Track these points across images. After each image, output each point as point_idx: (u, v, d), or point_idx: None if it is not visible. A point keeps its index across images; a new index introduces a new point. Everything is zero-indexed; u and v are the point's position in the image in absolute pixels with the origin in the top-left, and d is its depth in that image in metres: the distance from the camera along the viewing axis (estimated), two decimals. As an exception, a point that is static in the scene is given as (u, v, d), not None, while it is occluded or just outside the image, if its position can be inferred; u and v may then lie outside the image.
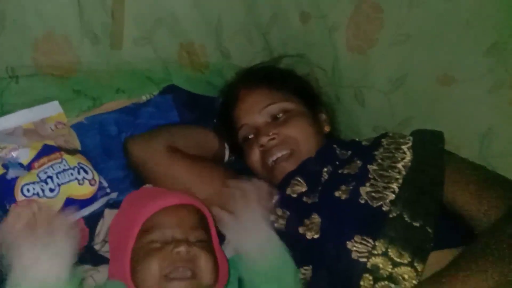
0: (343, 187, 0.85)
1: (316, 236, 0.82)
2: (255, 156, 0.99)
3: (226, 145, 1.12)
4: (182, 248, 0.77)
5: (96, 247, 0.94)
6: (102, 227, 0.95)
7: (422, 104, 1.05)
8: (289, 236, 0.85)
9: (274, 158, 0.95)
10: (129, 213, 0.90)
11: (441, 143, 0.88)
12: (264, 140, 0.95)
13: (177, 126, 1.11)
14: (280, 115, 0.98)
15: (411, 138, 0.90)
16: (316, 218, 0.84)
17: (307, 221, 0.84)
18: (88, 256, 0.92)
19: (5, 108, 0.97)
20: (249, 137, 1.01)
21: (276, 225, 0.88)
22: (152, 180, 0.99)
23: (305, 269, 0.83)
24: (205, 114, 1.18)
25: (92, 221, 0.95)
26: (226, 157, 1.13)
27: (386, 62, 1.04)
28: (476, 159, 0.91)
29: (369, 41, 1.03)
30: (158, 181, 0.98)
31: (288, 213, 0.89)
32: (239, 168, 1.07)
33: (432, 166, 0.84)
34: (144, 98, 1.15)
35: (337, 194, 0.85)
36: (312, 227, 0.83)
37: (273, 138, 0.95)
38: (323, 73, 1.16)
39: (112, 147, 1.04)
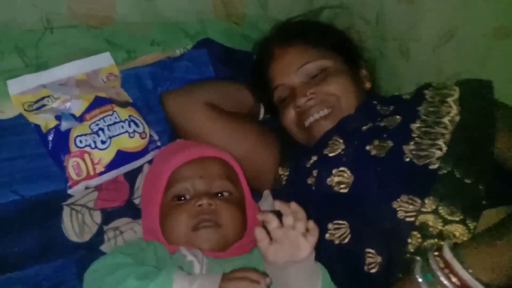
0: (376, 142, 0.82)
1: (344, 191, 0.80)
2: (290, 117, 0.95)
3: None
4: (203, 201, 0.78)
5: (136, 201, 0.95)
6: (141, 182, 0.95)
7: (473, 59, 0.99)
8: (318, 189, 0.83)
9: (312, 119, 0.92)
10: (156, 169, 0.90)
11: (491, 94, 0.83)
12: (301, 101, 0.91)
13: (212, 82, 1.08)
14: (318, 74, 0.93)
15: (457, 88, 0.85)
16: (345, 171, 0.82)
17: (335, 171, 0.83)
18: (128, 209, 0.93)
19: (40, 59, 0.95)
20: (285, 98, 0.97)
21: (309, 182, 0.86)
22: (188, 135, 0.98)
23: (338, 224, 0.80)
24: (241, 69, 1.15)
25: (131, 175, 0.95)
26: (261, 115, 1.11)
27: (436, 13, 0.98)
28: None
29: (419, -11, 0.96)
30: (194, 136, 0.97)
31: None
32: (274, 126, 1.04)
33: (482, 120, 0.80)
34: (178, 52, 1.12)
35: (368, 148, 0.82)
36: (341, 180, 0.81)
37: (311, 99, 0.91)
38: (366, 25, 1.09)
39: (149, 101, 1.03)
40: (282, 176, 0.96)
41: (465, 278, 0.62)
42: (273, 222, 0.64)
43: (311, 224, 0.65)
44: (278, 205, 0.65)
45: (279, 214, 0.66)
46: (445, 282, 0.62)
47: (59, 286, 0.85)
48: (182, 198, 0.81)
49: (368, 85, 1.02)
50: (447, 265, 0.64)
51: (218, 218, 0.78)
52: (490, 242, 0.65)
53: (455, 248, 0.66)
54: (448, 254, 0.64)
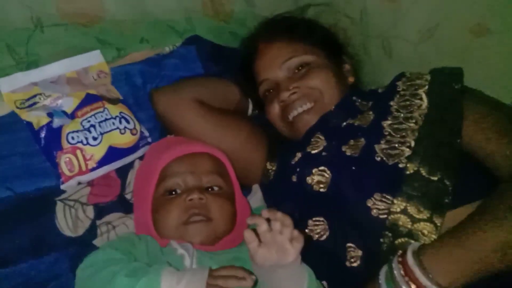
0: (352, 142, 0.84)
1: (323, 190, 0.82)
2: (274, 110, 0.97)
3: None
4: (194, 196, 0.80)
5: (127, 196, 0.96)
6: (132, 177, 0.97)
7: (453, 56, 1.03)
8: (298, 188, 0.85)
9: (295, 113, 0.94)
10: (148, 164, 0.92)
11: (459, 83, 0.84)
12: (285, 95, 0.93)
13: (201, 78, 1.10)
14: (301, 68, 0.95)
15: (428, 78, 0.86)
16: (325, 171, 0.84)
17: (315, 170, 0.84)
18: (120, 204, 0.95)
19: (30, 58, 0.96)
20: (270, 91, 0.99)
21: (294, 179, 0.88)
22: (178, 131, 0.99)
23: (317, 221, 0.83)
24: (229, 66, 1.16)
25: (123, 171, 0.97)
26: (250, 111, 1.13)
27: (417, 11, 1.01)
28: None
29: (401, -12, 0.99)
30: (183, 133, 0.98)
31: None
32: (262, 121, 1.06)
33: (450, 112, 0.80)
34: (167, 49, 1.14)
35: (343, 148, 0.84)
36: (320, 180, 0.83)
37: (294, 93, 0.93)
38: (350, 22, 1.12)
39: (139, 98, 1.04)
40: (270, 170, 0.98)
41: (425, 284, 0.64)
42: (262, 226, 0.66)
43: (296, 232, 0.67)
44: (266, 213, 0.67)
45: (268, 220, 0.68)
46: None
47: (52, 280, 0.87)
48: (173, 193, 0.83)
49: (351, 79, 1.03)
50: (408, 272, 0.66)
51: (209, 212, 0.81)
52: (451, 244, 0.67)
53: (418, 251, 0.68)
54: (410, 260, 0.66)
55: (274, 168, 0.98)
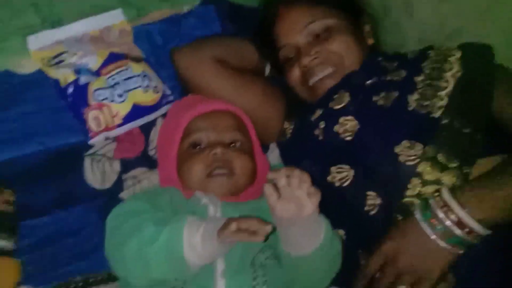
0: (383, 94, 0.86)
1: (349, 138, 0.84)
2: (296, 76, 0.97)
3: (267, 59, 1.11)
4: (217, 150, 0.83)
5: (151, 152, 1.00)
6: (155, 135, 1.00)
7: (473, 16, 1.01)
8: (325, 138, 0.88)
9: (316, 78, 0.94)
10: (172, 121, 0.95)
11: (491, 56, 0.86)
12: (306, 60, 0.93)
13: (220, 38, 1.11)
14: (322, 32, 0.95)
15: (459, 50, 0.88)
16: (352, 120, 0.86)
17: (342, 120, 0.87)
18: (144, 160, 0.99)
19: (54, 17, 0.97)
20: (290, 57, 0.99)
21: (316, 133, 0.90)
22: (198, 90, 1.01)
23: (341, 168, 0.85)
24: (248, 26, 1.15)
25: (146, 128, 1.00)
26: (267, 72, 1.13)
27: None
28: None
29: None
30: (203, 91, 1.00)
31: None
32: (281, 83, 1.07)
33: (482, 78, 0.84)
34: (185, 8, 1.14)
35: (374, 98, 0.85)
36: (347, 128, 0.85)
37: (316, 58, 0.93)
38: (370, -19, 1.11)
39: (160, 57, 1.06)
40: (287, 129, 1.00)
41: (461, 215, 0.69)
42: (282, 180, 0.69)
43: (313, 188, 0.70)
44: (285, 171, 0.70)
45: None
46: (444, 217, 0.70)
47: (83, 229, 0.92)
48: (197, 147, 0.87)
49: (371, 41, 1.03)
50: (445, 204, 0.70)
51: (231, 166, 0.84)
52: (484, 183, 0.72)
53: (452, 191, 0.72)
54: (446, 195, 0.71)
55: (291, 127, 1.00)
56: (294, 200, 0.69)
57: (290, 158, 0.99)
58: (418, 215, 0.73)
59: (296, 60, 0.96)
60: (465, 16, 1.02)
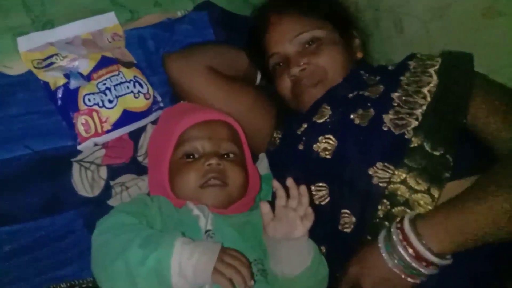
0: (360, 111, 0.86)
1: (328, 157, 0.85)
2: (285, 85, 0.98)
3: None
4: (213, 161, 0.83)
5: (140, 158, 0.99)
6: (145, 141, 1.00)
7: (462, 35, 1.04)
8: (303, 155, 0.88)
9: (304, 88, 0.95)
10: (165, 128, 0.94)
11: (469, 65, 0.87)
12: (295, 71, 0.94)
13: (213, 45, 1.11)
14: (311, 43, 0.96)
15: (439, 60, 0.89)
16: (331, 139, 0.87)
17: (321, 138, 0.87)
18: (133, 166, 0.98)
19: (47, 17, 0.95)
20: (279, 65, 1.00)
21: (300, 148, 0.91)
22: (189, 96, 1.01)
23: (319, 187, 0.86)
24: (240, 34, 1.16)
25: (135, 134, 0.99)
26: (258, 80, 1.14)
27: (430, -11, 1.01)
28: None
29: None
30: (194, 98, 1.00)
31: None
32: (270, 92, 1.08)
33: (457, 91, 0.83)
34: (179, 14, 1.14)
35: (352, 116, 0.86)
36: (326, 147, 0.86)
37: (304, 68, 0.94)
38: (362, -3, 1.13)
39: (152, 62, 1.05)
40: (276, 138, 1.01)
41: (418, 249, 0.69)
42: (281, 200, 0.71)
43: (310, 210, 0.72)
44: (290, 183, 0.72)
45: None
46: (402, 252, 0.70)
47: (68, 236, 0.91)
48: (191, 157, 0.86)
49: (360, 54, 1.04)
50: (405, 238, 0.71)
51: (225, 178, 0.85)
52: (447, 210, 0.72)
53: (415, 220, 0.72)
54: (406, 225, 0.71)
55: (279, 136, 1.01)
56: (286, 221, 0.71)
57: (278, 168, 0.99)
58: (381, 244, 0.73)
59: (285, 69, 0.97)
60: (453, 36, 1.05)
